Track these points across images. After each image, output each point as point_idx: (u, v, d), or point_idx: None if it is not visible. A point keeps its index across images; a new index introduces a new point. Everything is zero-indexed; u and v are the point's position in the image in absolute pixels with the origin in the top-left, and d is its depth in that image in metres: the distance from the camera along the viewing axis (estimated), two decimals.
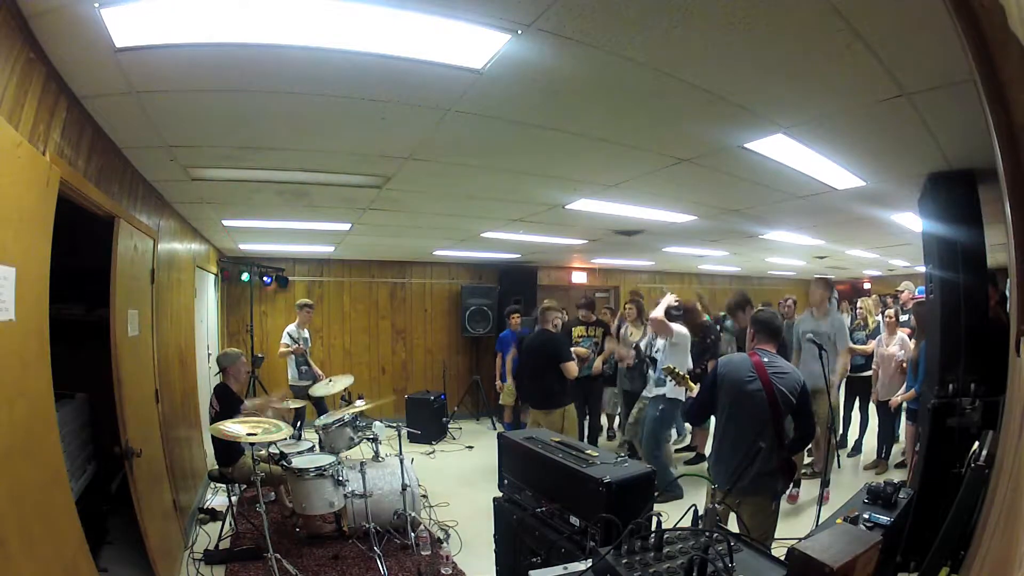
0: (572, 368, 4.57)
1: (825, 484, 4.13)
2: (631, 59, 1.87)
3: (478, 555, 3.43)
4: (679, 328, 4.79)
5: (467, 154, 3.01)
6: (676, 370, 3.80)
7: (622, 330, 6.01)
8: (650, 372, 4.97)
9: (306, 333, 6.33)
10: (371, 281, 8.11)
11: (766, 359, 2.82)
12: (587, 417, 6.01)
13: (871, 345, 5.57)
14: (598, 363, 5.96)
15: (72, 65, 1.88)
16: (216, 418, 3.65)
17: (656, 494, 4.55)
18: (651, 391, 4.80)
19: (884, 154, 2.94)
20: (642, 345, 5.42)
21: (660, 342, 4.87)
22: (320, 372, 6.14)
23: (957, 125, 2.34)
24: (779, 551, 1.43)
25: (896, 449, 5.56)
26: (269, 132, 2.66)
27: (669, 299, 4.55)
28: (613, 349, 5.79)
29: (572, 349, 5.83)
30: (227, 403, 3.87)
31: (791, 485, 4.52)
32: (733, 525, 2.70)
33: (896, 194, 3.72)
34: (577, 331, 6.01)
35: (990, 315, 2.89)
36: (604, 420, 6.78)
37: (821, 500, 3.89)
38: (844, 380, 5.08)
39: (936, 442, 2.77)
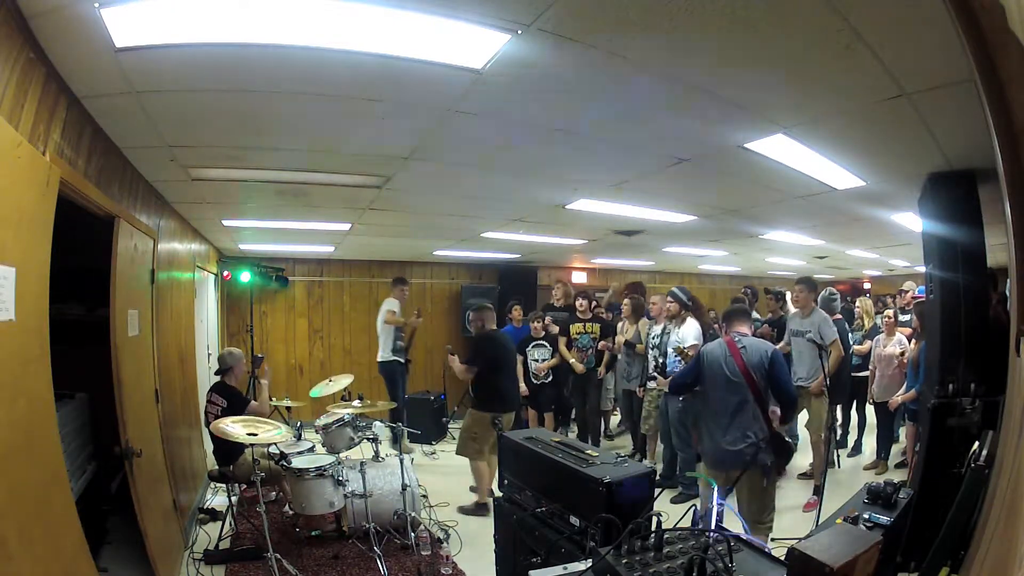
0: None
1: (816, 492, 4.13)
2: (631, 59, 1.87)
3: (478, 555, 3.43)
4: (695, 328, 4.83)
5: (467, 154, 3.01)
6: (686, 350, 3.88)
7: (620, 325, 6.03)
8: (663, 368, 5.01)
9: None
10: (371, 281, 8.10)
11: (737, 338, 3.14)
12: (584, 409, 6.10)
13: (867, 345, 5.57)
14: (601, 369, 5.99)
15: (72, 65, 1.88)
16: (222, 415, 3.67)
17: (679, 489, 4.62)
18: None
19: (884, 154, 2.95)
20: (643, 338, 5.47)
21: (674, 336, 4.89)
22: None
23: (957, 125, 2.34)
24: (779, 551, 1.43)
25: (896, 449, 5.56)
26: (269, 132, 2.66)
27: None
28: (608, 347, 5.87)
29: (572, 361, 5.87)
30: (235, 400, 3.90)
31: (814, 491, 4.53)
32: (733, 524, 2.71)
33: (896, 194, 3.72)
34: (574, 328, 6.01)
35: (990, 315, 2.90)
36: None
37: (821, 504, 3.90)
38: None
39: (936, 442, 2.77)
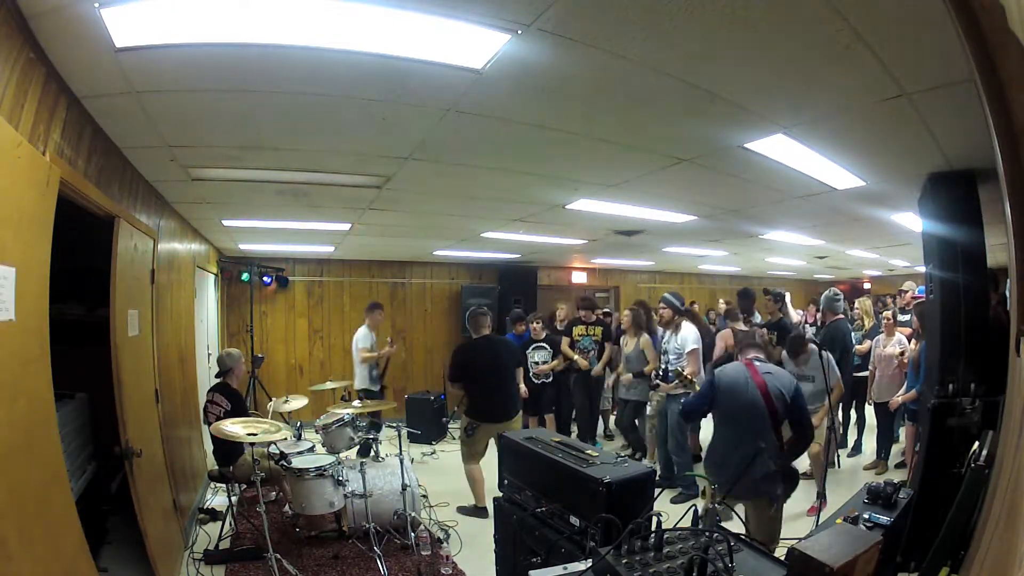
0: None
1: (820, 496, 4.14)
2: (631, 59, 1.87)
3: (478, 555, 3.43)
4: (693, 331, 4.80)
5: (467, 154, 3.01)
6: (685, 374, 3.85)
7: (621, 340, 5.99)
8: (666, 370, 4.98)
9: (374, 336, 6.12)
10: (371, 281, 8.10)
11: (758, 364, 2.95)
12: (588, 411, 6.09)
13: (867, 345, 5.58)
14: (599, 367, 6.01)
15: (72, 65, 1.88)
16: (225, 416, 3.67)
17: (679, 490, 4.56)
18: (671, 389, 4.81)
19: (884, 154, 2.95)
20: (648, 355, 5.43)
21: (673, 343, 4.87)
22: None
23: (957, 125, 2.35)
24: (779, 551, 1.43)
25: (896, 449, 5.56)
26: (269, 132, 2.66)
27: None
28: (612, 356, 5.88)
29: (576, 357, 5.87)
30: (237, 402, 3.91)
31: (816, 497, 4.50)
32: (732, 526, 2.71)
33: (896, 194, 3.72)
34: (577, 331, 6.03)
35: (990, 315, 2.90)
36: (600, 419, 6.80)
37: (820, 508, 3.90)
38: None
39: (936, 442, 2.77)
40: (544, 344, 5.89)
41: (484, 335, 4.53)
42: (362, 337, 5.89)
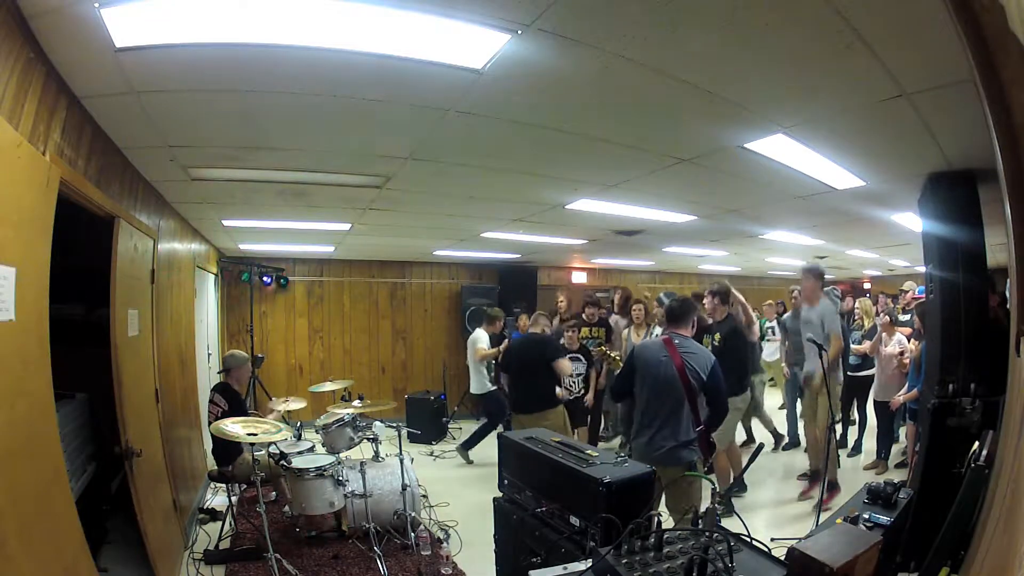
0: (564, 365, 4.62)
1: (832, 487, 4.14)
2: (631, 59, 1.87)
3: (478, 555, 3.42)
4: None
5: (467, 154, 3.01)
6: (608, 352, 3.87)
7: (625, 332, 5.94)
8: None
9: None
10: (371, 281, 8.10)
11: (677, 341, 3.06)
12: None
13: (866, 345, 5.57)
14: (589, 396, 5.52)
15: (72, 65, 1.88)
16: (223, 416, 3.67)
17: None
18: None
19: (884, 154, 2.95)
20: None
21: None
22: None
23: (957, 125, 2.35)
24: (779, 551, 1.43)
25: (896, 449, 5.56)
26: (269, 132, 2.66)
27: None
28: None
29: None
30: (235, 402, 3.91)
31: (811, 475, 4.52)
32: (732, 524, 2.72)
33: (896, 194, 3.72)
34: (582, 332, 5.93)
35: (990, 315, 2.90)
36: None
37: (820, 504, 3.88)
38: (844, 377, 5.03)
39: (936, 442, 2.77)
40: (579, 355, 5.36)
41: (528, 333, 4.87)
42: (481, 337, 6.20)
